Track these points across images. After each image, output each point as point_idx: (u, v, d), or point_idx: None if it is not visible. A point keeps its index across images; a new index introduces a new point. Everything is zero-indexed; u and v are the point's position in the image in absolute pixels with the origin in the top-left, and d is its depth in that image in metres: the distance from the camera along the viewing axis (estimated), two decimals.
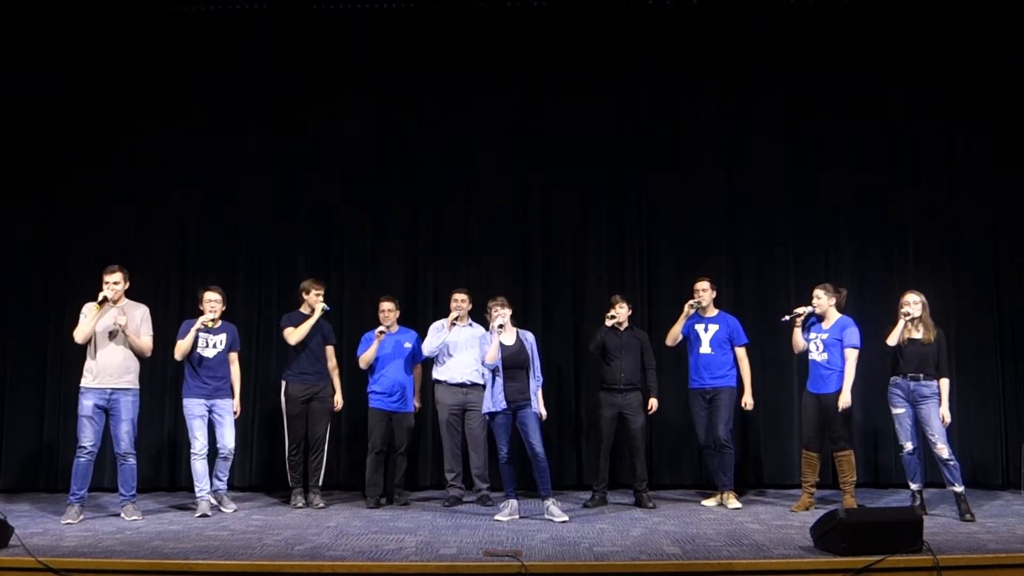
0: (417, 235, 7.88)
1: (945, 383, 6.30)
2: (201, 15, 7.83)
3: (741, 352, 6.79)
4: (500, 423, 6.18)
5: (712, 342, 6.74)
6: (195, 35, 7.87)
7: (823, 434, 6.47)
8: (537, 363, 6.33)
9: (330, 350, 6.97)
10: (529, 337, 6.37)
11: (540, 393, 6.37)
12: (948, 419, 6.26)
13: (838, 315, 6.52)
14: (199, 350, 6.53)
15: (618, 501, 6.88)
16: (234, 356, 6.74)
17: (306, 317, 6.79)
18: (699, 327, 6.80)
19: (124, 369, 6.24)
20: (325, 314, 6.84)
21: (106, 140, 7.85)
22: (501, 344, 6.20)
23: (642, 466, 6.81)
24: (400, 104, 7.91)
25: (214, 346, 6.59)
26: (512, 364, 6.18)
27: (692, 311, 6.76)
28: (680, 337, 6.86)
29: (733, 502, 6.63)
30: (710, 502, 6.72)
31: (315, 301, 6.80)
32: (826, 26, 7.80)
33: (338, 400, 6.95)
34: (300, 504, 6.68)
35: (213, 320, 6.51)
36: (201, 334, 6.54)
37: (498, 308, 6.24)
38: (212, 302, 6.56)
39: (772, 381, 7.36)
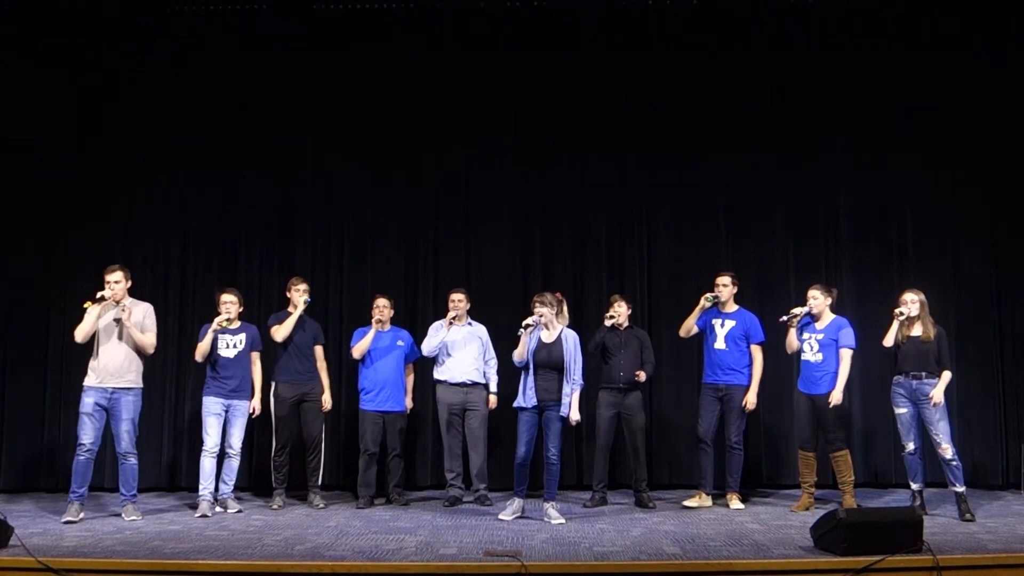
0: (417, 235, 7.88)
1: (947, 374, 6.29)
2: (202, 14, 7.83)
3: (756, 350, 6.74)
4: (525, 420, 6.11)
5: (727, 338, 6.71)
6: (196, 33, 7.87)
7: (818, 434, 6.48)
8: (577, 366, 6.10)
9: (319, 350, 6.97)
10: (571, 338, 6.15)
11: (575, 396, 6.06)
12: (939, 401, 6.21)
13: (832, 315, 6.53)
14: (219, 351, 6.59)
15: (618, 501, 6.88)
16: (255, 356, 6.76)
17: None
18: (716, 322, 6.76)
19: (126, 368, 6.24)
20: (308, 307, 6.85)
21: (106, 139, 7.84)
22: (539, 340, 6.13)
23: (642, 466, 6.80)
24: (400, 103, 7.90)
25: (234, 346, 6.63)
26: (544, 363, 6.08)
27: (709, 304, 6.73)
28: (695, 330, 6.83)
29: (736, 503, 6.62)
30: (692, 502, 6.63)
31: (299, 297, 6.81)
32: (827, 24, 7.81)
33: (326, 400, 6.94)
34: (277, 506, 6.66)
35: (228, 320, 6.55)
36: (220, 335, 6.58)
37: (537, 305, 6.13)
38: (227, 303, 6.60)
39: (773, 381, 7.33)
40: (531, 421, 6.11)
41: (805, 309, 6.50)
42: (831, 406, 6.34)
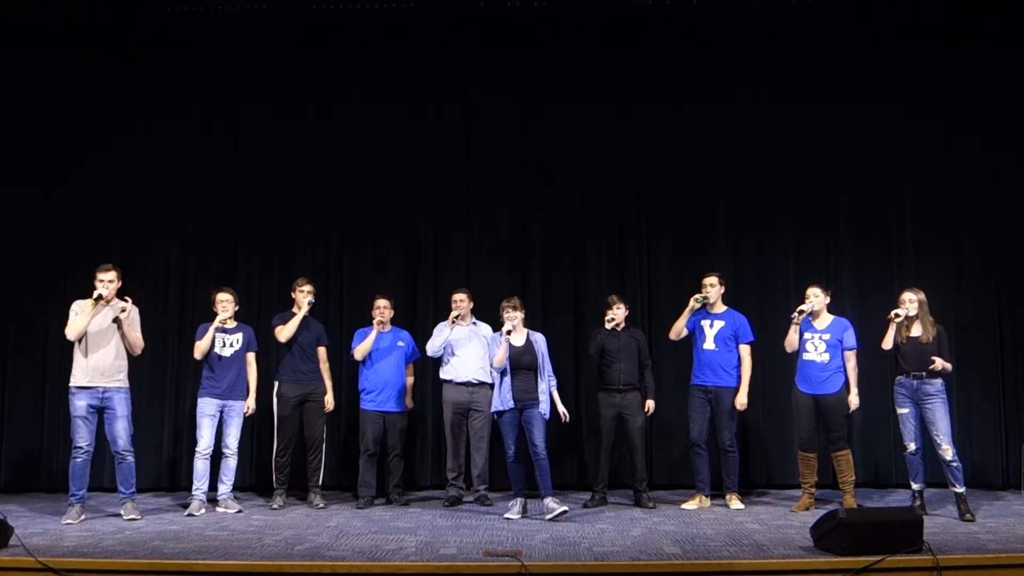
0: (417, 235, 7.88)
1: (948, 365, 6.25)
2: (202, 14, 7.83)
3: (745, 350, 6.74)
4: (507, 421, 6.22)
5: (716, 338, 6.71)
6: (196, 33, 7.86)
7: (818, 434, 6.49)
8: (548, 364, 6.34)
9: (322, 351, 6.97)
10: (539, 339, 6.38)
11: (556, 394, 6.40)
12: (937, 367, 6.18)
13: (831, 316, 6.55)
14: (215, 350, 6.60)
15: (618, 501, 6.88)
16: (251, 357, 6.77)
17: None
18: (705, 323, 6.76)
19: (116, 368, 6.24)
20: (312, 308, 6.85)
21: (105, 139, 7.85)
22: (510, 345, 6.22)
23: (642, 466, 6.81)
24: (400, 104, 7.91)
25: (230, 345, 6.64)
26: (520, 365, 6.22)
27: (697, 306, 6.71)
28: (685, 332, 6.82)
29: (736, 503, 6.62)
30: (691, 504, 6.63)
31: (303, 298, 6.82)
32: (827, 24, 7.81)
33: (329, 401, 6.94)
34: (277, 506, 6.66)
35: (228, 319, 6.59)
36: (217, 334, 6.59)
37: (509, 311, 6.27)
38: (224, 302, 6.63)
39: (772, 380, 7.33)
40: (513, 422, 6.22)
41: (810, 306, 6.49)
42: (852, 409, 6.42)
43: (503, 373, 6.22)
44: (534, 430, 6.16)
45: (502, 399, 6.21)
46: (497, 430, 6.73)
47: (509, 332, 6.20)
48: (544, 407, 6.22)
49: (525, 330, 6.36)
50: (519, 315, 6.29)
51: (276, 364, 6.91)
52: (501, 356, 6.19)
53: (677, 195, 7.89)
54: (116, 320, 6.20)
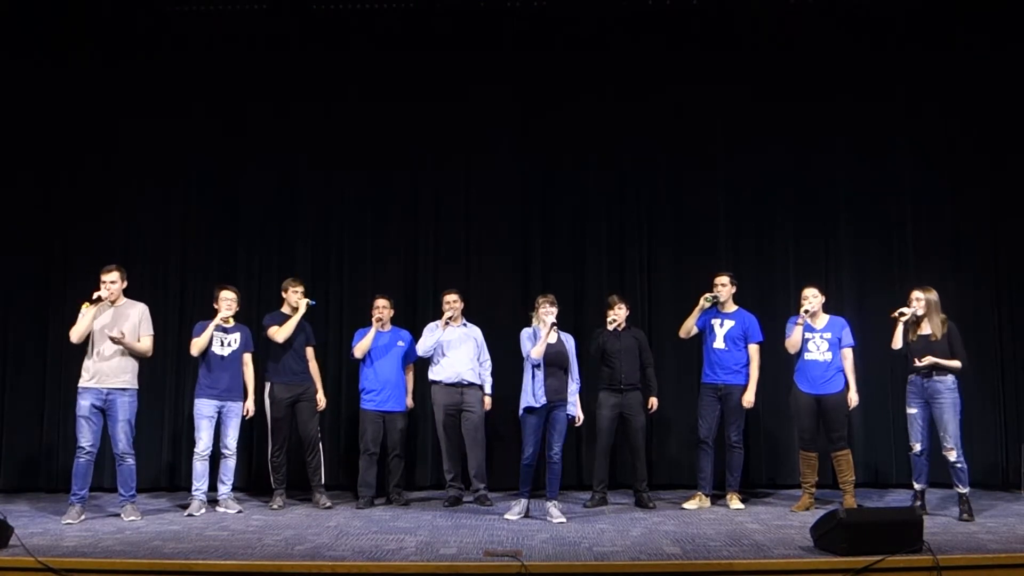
0: (417, 235, 7.88)
1: (958, 362, 6.22)
2: (201, 14, 7.83)
3: (753, 350, 6.73)
4: (532, 423, 6.14)
5: (726, 337, 6.71)
6: (195, 33, 7.87)
7: (819, 434, 6.48)
8: (575, 366, 6.32)
9: (310, 351, 6.95)
10: (569, 339, 6.36)
11: (576, 396, 6.36)
12: (937, 362, 6.15)
13: (827, 315, 6.57)
14: (213, 349, 6.57)
15: (618, 501, 6.88)
16: (248, 357, 6.75)
17: (288, 317, 6.79)
18: (715, 322, 6.77)
19: (121, 369, 6.24)
20: (310, 310, 6.83)
21: (106, 138, 7.85)
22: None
23: (642, 466, 6.81)
24: (400, 104, 7.91)
25: (228, 345, 6.62)
26: (553, 362, 6.17)
27: (708, 305, 6.72)
28: (695, 330, 6.82)
29: (736, 503, 6.63)
30: (691, 504, 6.63)
31: (297, 299, 6.80)
32: (828, 24, 7.81)
33: (321, 400, 6.93)
34: (277, 506, 6.66)
35: (229, 318, 6.57)
36: (215, 333, 6.57)
37: (547, 305, 6.23)
38: (228, 300, 6.60)
39: (773, 380, 7.32)
40: (539, 423, 6.15)
41: (815, 307, 6.48)
42: (852, 407, 6.44)
43: (535, 368, 6.14)
44: (555, 433, 6.14)
45: (535, 396, 6.10)
46: (496, 430, 6.75)
47: (554, 324, 6.15)
48: (571, 409, 6.23)
49: (556, 329, 6.29)
50: (556, 310, 6.24)
51: (265, 366, 6.88)
52: (540, 348, 6.11)
53: (677, 195, 7.89)
54: (118, 338, 6.17)
